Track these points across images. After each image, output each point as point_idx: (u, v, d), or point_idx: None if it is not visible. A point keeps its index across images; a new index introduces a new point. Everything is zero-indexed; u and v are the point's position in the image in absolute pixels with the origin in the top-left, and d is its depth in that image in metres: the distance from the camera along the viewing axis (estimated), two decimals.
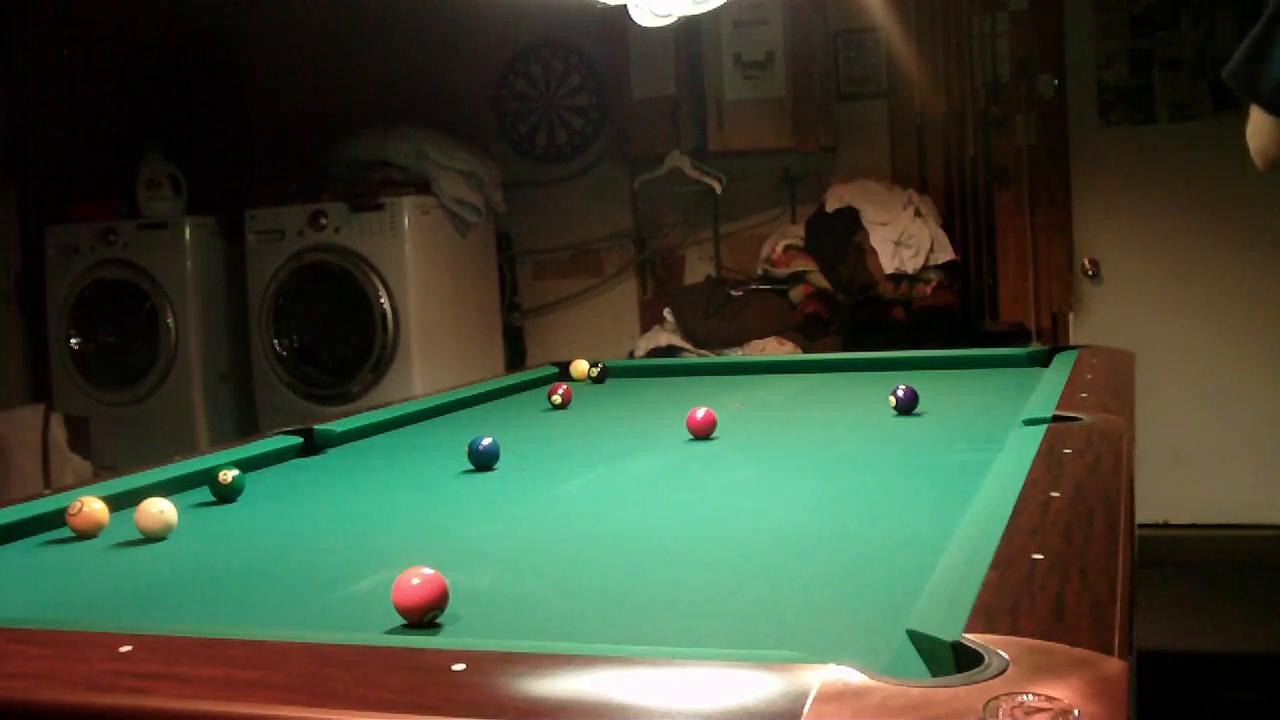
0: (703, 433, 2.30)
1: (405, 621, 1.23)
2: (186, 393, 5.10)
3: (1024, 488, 1.51)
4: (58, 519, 1.78)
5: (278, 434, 2.39)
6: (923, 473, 1.91)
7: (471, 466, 2.08)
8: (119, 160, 5.32)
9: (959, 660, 0.95)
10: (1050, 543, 1.26)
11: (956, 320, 4.75)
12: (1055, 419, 1.97)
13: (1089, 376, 2.47)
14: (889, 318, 4.64)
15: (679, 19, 2.57)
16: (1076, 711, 0.81)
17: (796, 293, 4.76)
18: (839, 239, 4.61)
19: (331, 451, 2.38)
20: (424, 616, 1.23)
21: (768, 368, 3.27)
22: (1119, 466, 1.65)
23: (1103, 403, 2.13)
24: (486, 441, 2.10)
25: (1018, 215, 4.88)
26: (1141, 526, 1.52)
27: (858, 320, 4.65)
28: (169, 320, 5.09)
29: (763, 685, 0.88)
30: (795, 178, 5.10)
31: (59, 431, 4.68)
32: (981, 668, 0.89)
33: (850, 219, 4.61)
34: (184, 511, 1.79)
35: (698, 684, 0.90)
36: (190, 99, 5.55)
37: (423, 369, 4.83)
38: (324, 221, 4.89)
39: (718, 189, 5.04)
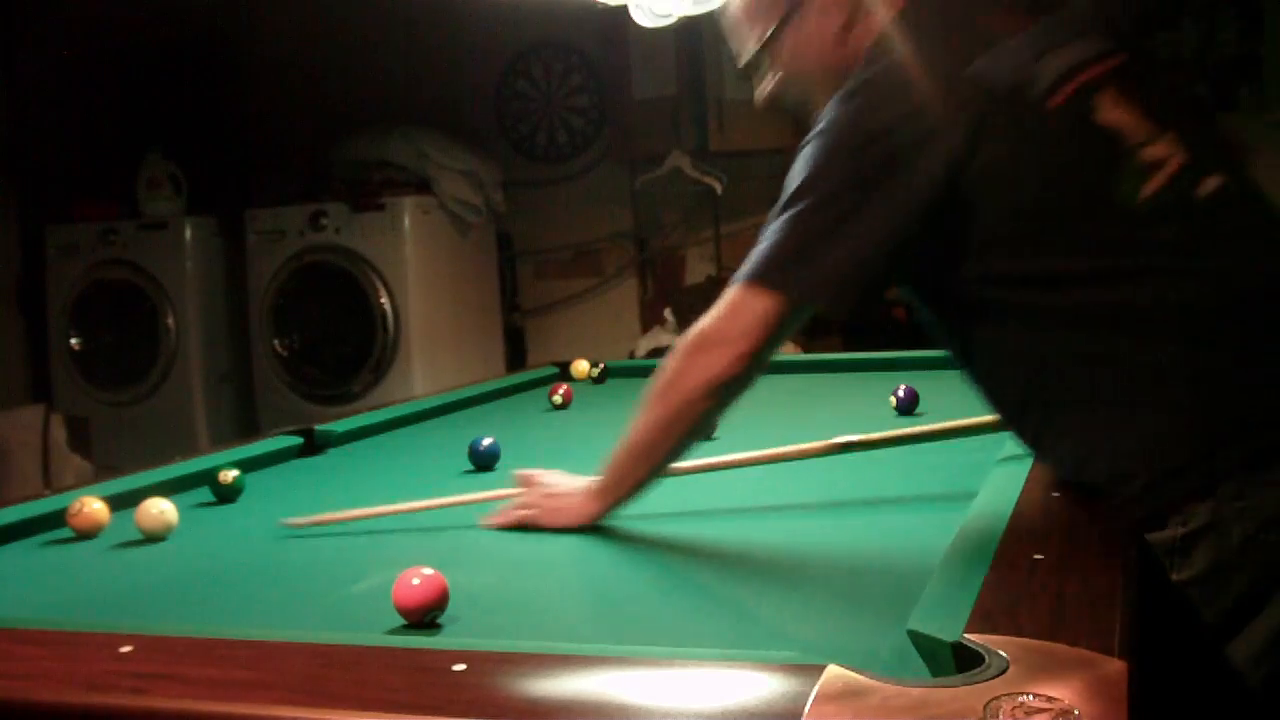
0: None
1: (405, 621, 1.23)
2: (186, 393, 5.10)
3: (1024, 487, 1.51)
4: (58, 519, 1.77)
5: (278, 434, 2.39)
6: (923, 472, 1.91)
7: (472, 467, 2.08)
8: (119, 160, 5.31)
9: (959, 660, 0.95)
10: (1050, 543, 1.26)
11: None
12: None
13: None
14: (889, 318, 4.64)
15: (679, 19, 2.57)
16: (1077, 711, 0.81)
17: None
18: None
19: (332, 451, 2.38)
20: (424, 616, 1.23)
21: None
22: None
23: None
24: (487, 442, 2.10)
25: None
26: None
27: (858, 320, 4.64)
28: (169, 320, 5.09)
29: (763, 685, 0.88)
30: None
31: (59, 431, 4.68)
32: (982, 668, 0.89)
33: None
34: (184, 511, 1.79)
35: (698, 684, 0.90)
36: (190, 99, 5.55)
37: (423, 369, 4.83)
38: (324, 221, 4.89)
39: (718, 189, 5.04)
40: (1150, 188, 1.41)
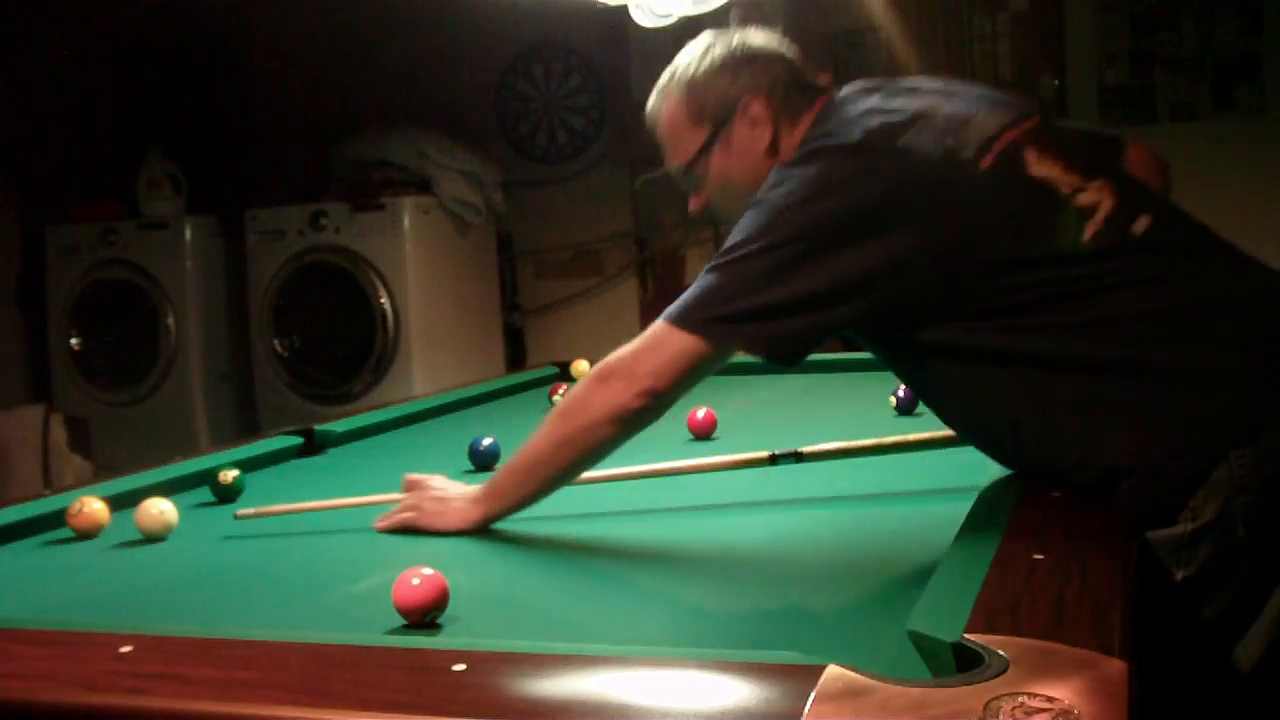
0: (703, 433, 2.31)
1: (405, 621, 1.23)
2: (186, 393, 5.09)
3: (1024, 488, 1.51)
4: (58, 519, 1.78)
5: (278, 434, 2.40)
6: (923, 472, 1.92)
7: (472, 467, 2.08)
8: (119, 160, 5.31)
9: (959, 660, 0.95)
10: (1050, 543, 1.26)
11: None
12: None
13: None
14: None
15: (679, 19, 2.57)
16: (1077, 711, 0.81)
17: None
18: None
19: (332, 451, 2.38)
20: (424, 616, 1.23)
21: (768, 368, 3.26)
22: None
23: None
24: (487, 441, 2.10)
25: None
26: None
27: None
28: (169, 320, 5.08)
29: (763, 685, 0.88)
30: None
31: (59, 431, 4.67)
32: (982, 668, 0.89)
33: None
34: (184, 511, 1.79)
35: (698, 684, 0.90)
36: (190, 99, 5.55)
37: (423, 369, 4.82)
38: (324, 221, 4.89)
39: None
40: (1091, 230, 1.48)
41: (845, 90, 1.69)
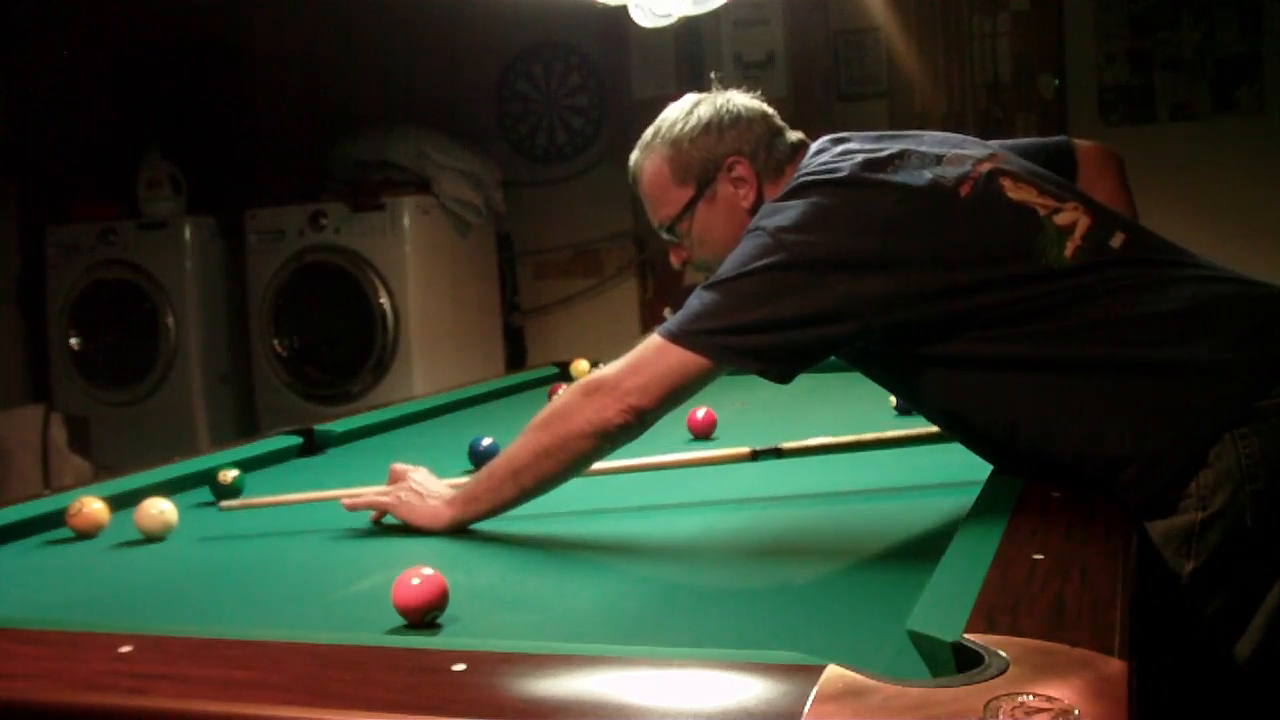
0: (703, 433, 2.30)
1: (405, 621, 1.23)
2: (186, 393, 5.09)
3: (1024, 488, 1.51)
4: (58, 519, 1.78)
5: (278, 434, 2.40)
6: (923, 472, 1.92)
7: (472, 467, 2.08)
8: (119, 160, 5.31)
9: (959, 660, 0.95)
10: (1050, 543, 1.26)
11: None
12: None
13: None
14: None
15: (679, 19, 2.57)
16: (1077, 711, 0.81)
17: None
18: None
19: (332, 451, 2.38)
20: (424, 616, 1.23)
21: None
22: None
23: None
24: (487, 441, 2.10)
25: None
26: None
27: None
28: (169, 320, 5.08)
29: (763, 685, 0.88)
30: None
31: (59, 431, 4.67)
32: (982, 668, 0.89)
33: None
34: (184, 511, 1.79)
35: (698, 684, 0.90)
36: (190, 99, 5.55)
37: (423, 369, 4.82)
38: (324, 221, 4.89)
39: None
40: (1072, 247, 1.53)
41: (818, 143, 1.73)
